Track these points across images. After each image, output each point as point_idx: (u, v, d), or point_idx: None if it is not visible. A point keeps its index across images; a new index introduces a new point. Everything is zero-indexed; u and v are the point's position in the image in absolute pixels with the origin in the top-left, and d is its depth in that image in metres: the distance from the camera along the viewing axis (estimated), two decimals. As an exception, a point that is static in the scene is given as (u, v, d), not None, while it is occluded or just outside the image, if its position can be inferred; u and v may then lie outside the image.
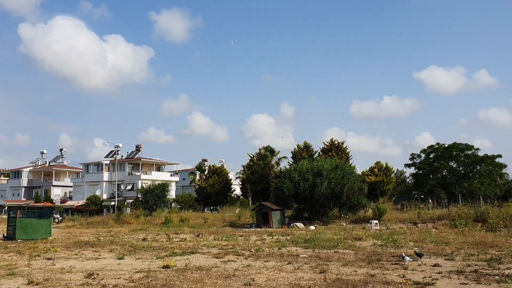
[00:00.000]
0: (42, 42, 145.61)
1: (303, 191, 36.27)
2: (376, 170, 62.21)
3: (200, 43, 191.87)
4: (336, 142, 61.45)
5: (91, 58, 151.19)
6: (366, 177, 56.43)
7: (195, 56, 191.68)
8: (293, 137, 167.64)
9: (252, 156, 65.53)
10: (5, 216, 55.71)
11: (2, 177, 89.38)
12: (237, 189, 73.16)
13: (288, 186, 36.86)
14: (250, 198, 61.89)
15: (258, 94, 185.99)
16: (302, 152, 59.89)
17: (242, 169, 66.95)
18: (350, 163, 56.38)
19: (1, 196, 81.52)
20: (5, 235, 28.51)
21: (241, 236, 26.82)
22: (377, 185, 59.69)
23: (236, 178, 73.47)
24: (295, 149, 61.84)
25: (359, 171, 55.32)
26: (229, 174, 70.34)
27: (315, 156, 58.93)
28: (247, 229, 33.56)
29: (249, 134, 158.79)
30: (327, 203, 37.42)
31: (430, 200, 49.78)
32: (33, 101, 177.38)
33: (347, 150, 61.18)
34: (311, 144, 62.44)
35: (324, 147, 61.16)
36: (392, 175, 65.43)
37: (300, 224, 34.34)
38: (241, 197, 67.48)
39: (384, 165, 63.16)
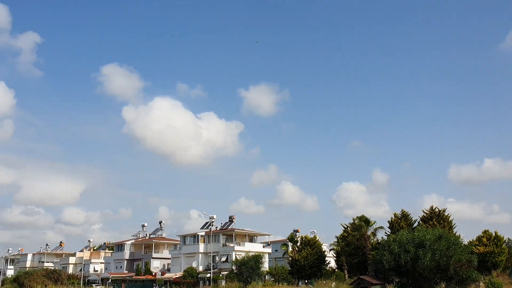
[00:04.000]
0: (143, 122, 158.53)
1: (404, 264, 34.04)
2: (484, 239, 56.95)
3: (287, 115, 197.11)
4: (436, 210, 57.70)
5: (187, 135, 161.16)
6: (474, 248, 51.76)
7: (282, 127, 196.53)
8: (388, 205, 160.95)
9: (345, 226, 63.38)
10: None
11: (107, 250, 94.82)
12: (331, 262, 70.53)
13: (388, 258, 34.86)
14: (346, 271, 59.24)
15: (347, 162, 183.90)
16: (400, 222, 56.83)
17: (336, 240, 64.82)
18: (454, 232, 52.43)
19: (106, 268, 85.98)
20: (111, 307, 29.67)
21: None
22: (487, 256, 54.32)
23: (330, 250, 71.20)
24: (392, 218, 58.89)
25: (465, 241, 51.14)
26: (322, 246, 68.35)
27: (415, 225, 55.65)
28: (346, 305, 31.90)
29: (340, 203, 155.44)
30: (432, 277, 34.64)
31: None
32: (135, 177, 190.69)
33: (450, 218, 57.06)
34: (409, 213, 59.14)
35: (423, 216, 57.57)
36: (504, 245, 59.39)
37: (403, 300, 31.96)
38: (336, 270, 64.78)
39: (494, 234, 57.75)
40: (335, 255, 65.16)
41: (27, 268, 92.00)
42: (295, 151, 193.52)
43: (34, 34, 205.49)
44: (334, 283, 48.16)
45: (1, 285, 75.11)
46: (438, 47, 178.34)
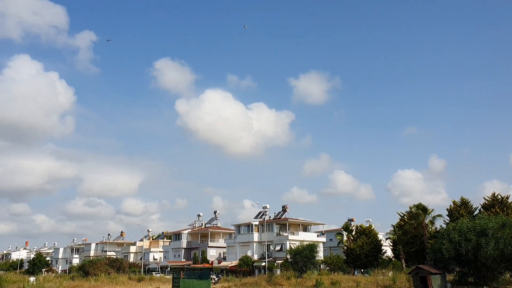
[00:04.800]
0: (195, 115, 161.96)
1: (465, 253, 32.92)
2: (553, 227, 53.84)
3: (339, 103, 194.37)
4: (499, 196, 55.18)
5: (238, 126, 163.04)
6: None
7: (334, 115, 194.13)
8: (445, 193, 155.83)
9: (402, 215, 62.18)
10: (168, 276, 60.45)
11: (165, 239, 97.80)
12: (388, 251, 69.34)
13: (448, 247, 33.84)
14: (403, 260, 58.13)
15: (402, 149, 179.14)
16: (460, 209, 54.92)
17: (392, 229, 63.67)
18: (519, 220, 49.92)
19: (165, 257, 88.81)
20: (171, 294, 30.69)
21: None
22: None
23: (386, 239, 69.95)
24: (450, 206, 57.03)
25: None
26: (378, 235, 67.25)
27: (475, 213, 53.57)
28: (404, 295, 31.31)
29: (396, 191, 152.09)
30: (496, 267, 33.29)
31: None
32: (189, 168, 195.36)
33: (514, 206, 54.38)
34: (469, 200, 57.04)
35: (485, 203, 55.29)
36: None
37: (465, 290, 30.95)
38: (393, 259, 63.69)
39: None
40: (391, 244, 64.10)
41: (91, 257, 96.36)
42: (347, 139, 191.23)
43: (90, 32, 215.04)
44: (391, 272, 47.31)
45: (68, 273, 79.23)
46: (497, 26, 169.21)
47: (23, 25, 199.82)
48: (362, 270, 59.80)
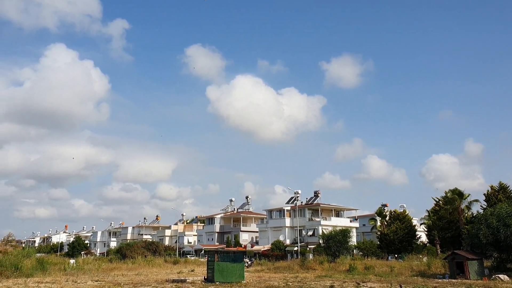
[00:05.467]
0: (226, 101, 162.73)
1: (504, 238, 32.16)
2: None
3: (372, 86, 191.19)
4: (539, 181, 53.47)
5: (269, 112, 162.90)
6: None
7: (367, 99, 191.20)
8: (482, 178, 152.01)
9: (437, 200, 61.09)
10: (203, 259, 61.60)
11: (199, 223, 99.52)
12: (422, 236, 68.47)
13: (485, 232, 33.10)
14: (438, 246, 57.34)
15: (437, 133, 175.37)
16: (498, 194, 53.47)
17: (427, 214, 62.75)
18: (561, 205, 48.29)
19: (198, 240, 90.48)
20: (206, 277, 31.24)
21: (435, 287, 24.83)
22: None
23: (421, 224, 69.06)
24: (488, 191, 55.60)
25: None
26: (412, 220, 66.45)
27: (515, 198, 52.08)
28: (439, 280, 30.94)
29: (430, 176, 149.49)
30: (536, 253, 32.43)
31: None
32: (221, 154, 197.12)
33: (556, 190, 52.64)
34: (508, 185, 55.46)
35: (524, 187, 53.74)
36: None
37: (504, 276, 30.27)
38: (427, 244, 62.89)
39: None
40: (426, 229, 63.26)
41: (128, 240, 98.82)
42: (381, 123, 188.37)
43: (123, 21, 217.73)
44: (425, 258, 46.74)
45: (106, 255, 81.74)
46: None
47: (58, 15, 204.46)
48: (396, 256, 59.36)
